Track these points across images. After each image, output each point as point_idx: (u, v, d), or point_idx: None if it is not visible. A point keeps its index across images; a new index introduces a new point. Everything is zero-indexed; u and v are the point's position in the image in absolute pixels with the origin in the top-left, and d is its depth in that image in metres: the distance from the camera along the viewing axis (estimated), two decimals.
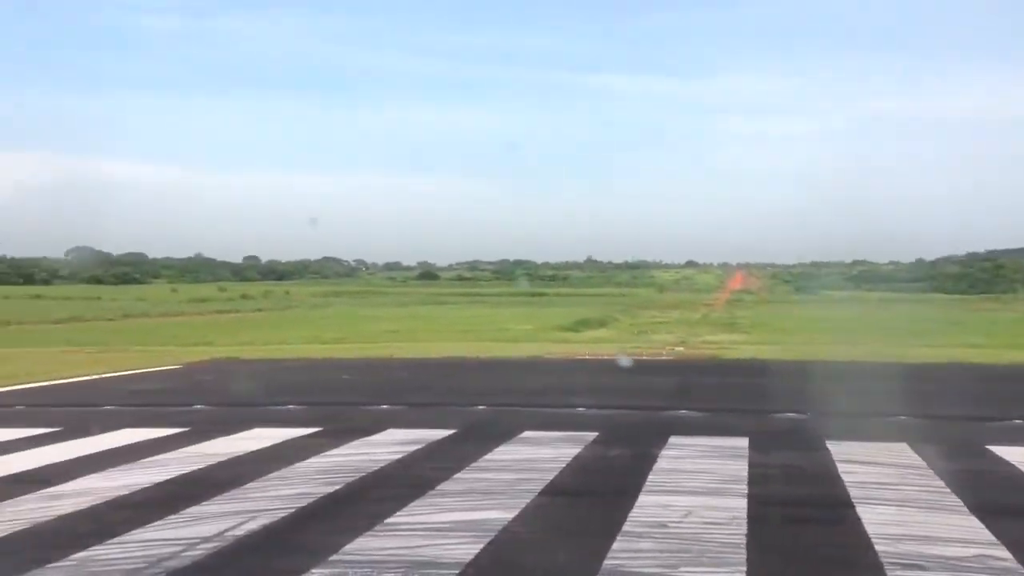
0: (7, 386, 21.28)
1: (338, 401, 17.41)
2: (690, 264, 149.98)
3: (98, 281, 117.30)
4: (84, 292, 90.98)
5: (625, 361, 25.51)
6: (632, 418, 15.20)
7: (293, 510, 9.00)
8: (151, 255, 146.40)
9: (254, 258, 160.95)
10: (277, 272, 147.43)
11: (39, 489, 10.15)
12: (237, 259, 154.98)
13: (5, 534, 8.31)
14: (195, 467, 11.25)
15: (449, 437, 13.20)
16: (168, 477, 10.70)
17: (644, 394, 18.77)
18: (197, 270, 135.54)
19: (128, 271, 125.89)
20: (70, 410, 16.79)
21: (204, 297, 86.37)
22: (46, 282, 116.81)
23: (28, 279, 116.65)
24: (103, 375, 23.62)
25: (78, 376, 23.31)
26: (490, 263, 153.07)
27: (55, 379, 22.58)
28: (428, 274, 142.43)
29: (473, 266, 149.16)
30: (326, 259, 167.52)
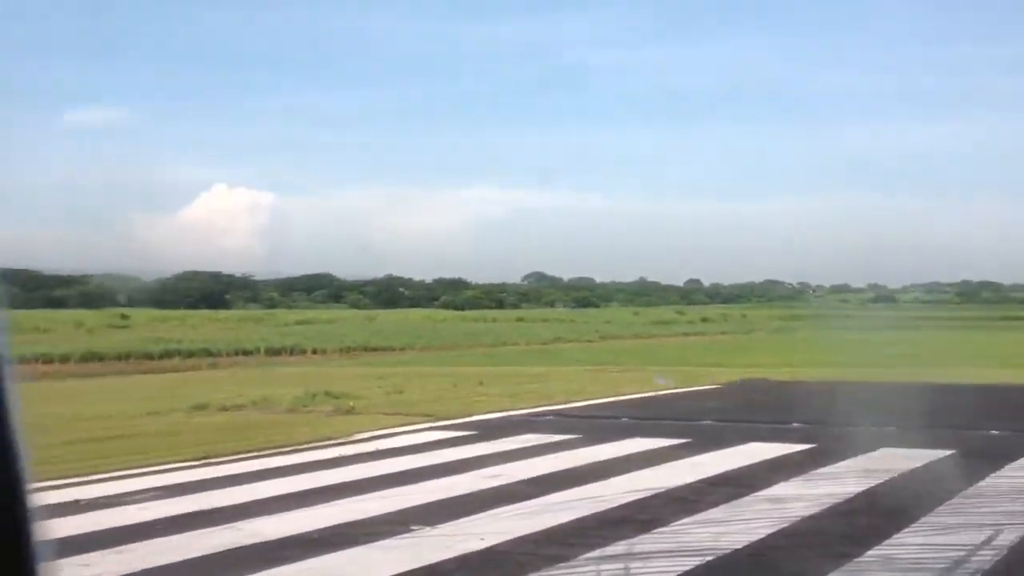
0: (577, 401, 23.65)
1: (935, 424, 17.38)
2: None
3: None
4: (555, 316, 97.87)
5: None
6: None
7: None
8: (598, 279, 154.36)
9: (696, 281, 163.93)
10: (723, 295, 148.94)
11: (752, 492, 11.35)
12: (678, 282, 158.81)
13: (780, 528, 9.44)
14: (879, 480, 11.96)
15: None
16: (861, 488, 11.48)
17: None
18: (648, 293, 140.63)
19: (587, 295, 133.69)
20: (673, 424, 18.35)
21: (666, 320, 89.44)
22: (515, 306, 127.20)
23: (499, 304, 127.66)
24: (655, 393, 25.42)
25: (635, 393, 25.33)
26: (950, 284, 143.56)
27: (618, 395, 24.73)
28: (884, 296, 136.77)
29: (931, 288, 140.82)
30: (768, 282, 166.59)
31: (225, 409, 23.67)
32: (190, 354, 53.54)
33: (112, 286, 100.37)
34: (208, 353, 53.96)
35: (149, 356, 52.13)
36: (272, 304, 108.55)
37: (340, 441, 17.64)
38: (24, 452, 1.30)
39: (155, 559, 9.06)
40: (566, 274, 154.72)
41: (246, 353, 54.74)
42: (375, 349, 59.97)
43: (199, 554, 9.27)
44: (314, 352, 56.94)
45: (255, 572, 8.50)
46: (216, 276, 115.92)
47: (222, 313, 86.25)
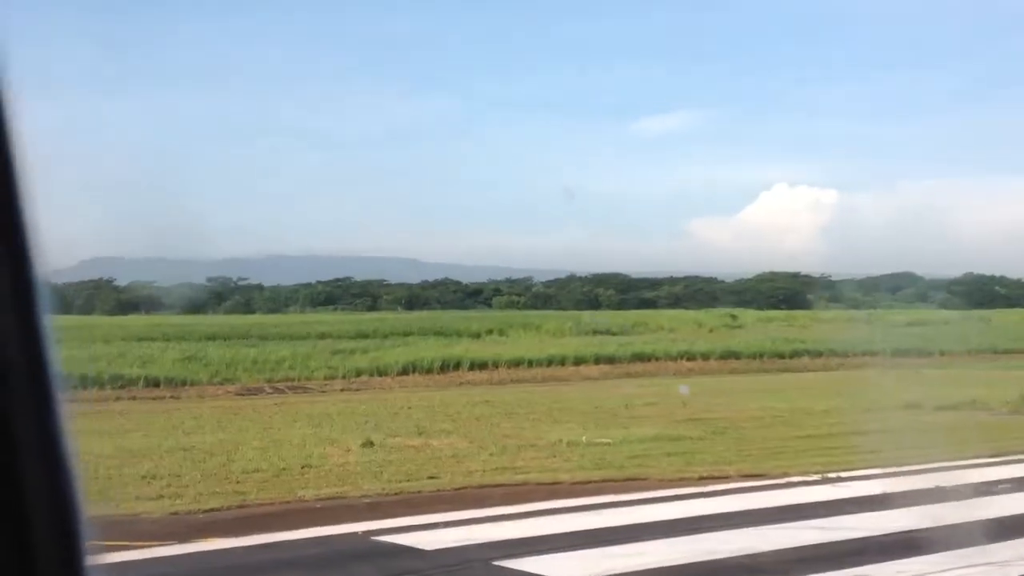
0: None
1: None
2: None
3: None
4: None
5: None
6: None
7: None
8: None
9: None
10: None
11: None
12: None
13: None
14: None
15: None
16: None
17: None
18: None
19: None
20: None
21: None
22: None
23: None
24: None
25: None
26: None
27: None
28: None
29: None
30: None
31: (941, 408, 24.60)
32: (818, 354, 55.50)
33: (693, 288, 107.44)
34: (834, 353, 55.53)
35: (780, 355, 55.00)
36: (855, 304, 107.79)
37: None
38: (75, 462, 1.28)
39: None
40: None
41: (871, 354, 55.31)
42: (1006, 352, 57.41)
43: None
44: (941, 354, 55.93)
45: None
46: (795, 276, 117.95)
47: (823, 314, 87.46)
